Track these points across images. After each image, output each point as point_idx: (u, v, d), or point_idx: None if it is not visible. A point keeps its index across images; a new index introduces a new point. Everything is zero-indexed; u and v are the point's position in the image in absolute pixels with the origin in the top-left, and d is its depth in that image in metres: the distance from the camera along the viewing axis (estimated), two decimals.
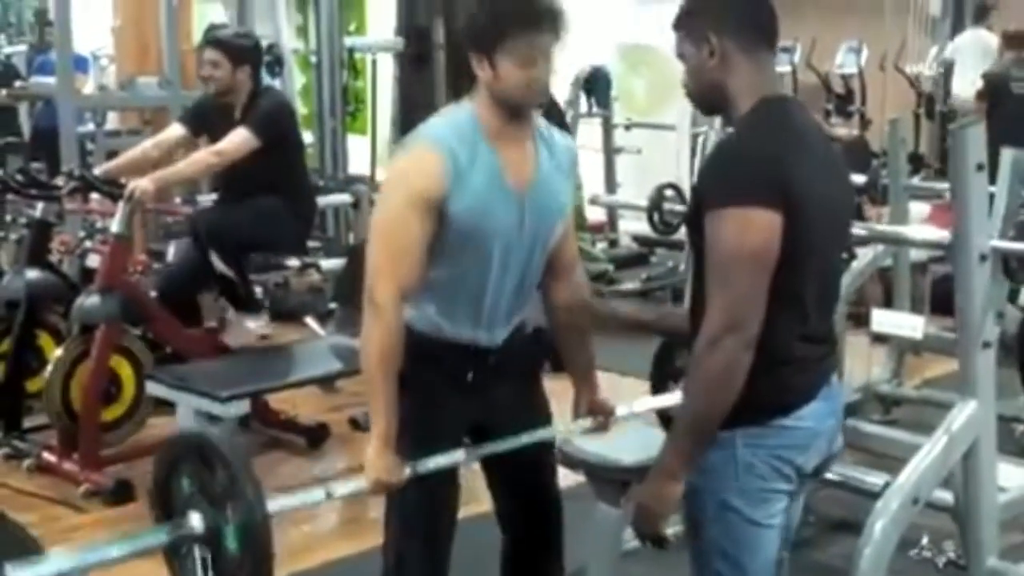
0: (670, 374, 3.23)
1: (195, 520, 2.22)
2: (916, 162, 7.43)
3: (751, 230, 2.08)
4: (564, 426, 2.87)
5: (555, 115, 8.40)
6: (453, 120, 2.61)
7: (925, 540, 3.82)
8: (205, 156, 4.84)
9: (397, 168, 2.64)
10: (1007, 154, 3.84)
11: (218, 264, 4.88)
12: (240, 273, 4.94)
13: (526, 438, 2.72)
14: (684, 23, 2.29)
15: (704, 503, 2.26)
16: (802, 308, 2.20)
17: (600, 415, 2.87)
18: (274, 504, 2.28)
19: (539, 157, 2.66)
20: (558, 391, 2.95)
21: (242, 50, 4.87)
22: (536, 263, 2.71)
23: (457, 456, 2.63)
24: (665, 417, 3.23)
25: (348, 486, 2.54)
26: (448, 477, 2.73)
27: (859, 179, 4.69)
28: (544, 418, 2.88)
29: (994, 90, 7.16)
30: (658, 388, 3.27)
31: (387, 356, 2.51)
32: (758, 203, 2.08)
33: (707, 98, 2.31)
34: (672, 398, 3.03)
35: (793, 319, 2.18)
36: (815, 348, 2.26)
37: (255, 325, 5.43)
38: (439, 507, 2.75)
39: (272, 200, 4.88)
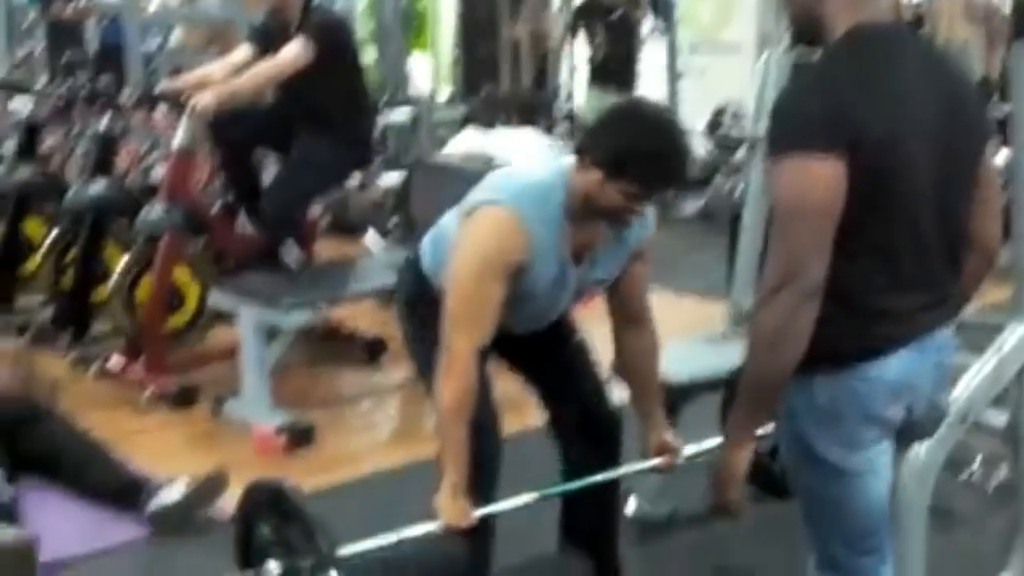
0: None
1: (272, 568, 2.39)
2: (986, 88, 7.30)
3: (808, 180, 1.98)
4: (636, 464, 2.93)
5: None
6: (544, 194, 2.65)
7: (977, 463, 3.83)
8: (264, 68, 4.85)
9: (484, 229, 2.65)
10: None
11: (288, 255, 4.93)
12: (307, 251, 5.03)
13: (600, 477, 2.84)
14: None
15: (796, 447, 2.21)
16: (888, 255, 2.08)
17: (667, 455, 2.91)
18: (346, 550, 2.40)
19: (607, 239, 2.75)
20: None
21: None
22: (566, 300, 2.85)
23: (528, 498, 2.69)
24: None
25: (419, 529, 2.56)
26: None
27: None
28: (572, 333, 3.02)
29: None
30: (725, 416, 3.27)
31: (462, 406, 2.60)
32: (816, 152, 1.97)
33: (802, 25, 2.19)
34: None
35: (875, 267, 2.08)
36: (909, 297, 2.13)
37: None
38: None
39: (327, 140, 4.87)
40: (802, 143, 1.99)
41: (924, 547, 2.66)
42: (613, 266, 2.81)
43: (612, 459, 3.00)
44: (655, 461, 2.91)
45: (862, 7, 2.09)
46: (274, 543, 2.40)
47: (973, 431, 2.80)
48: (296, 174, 4.95)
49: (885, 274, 2.10)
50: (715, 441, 3.00)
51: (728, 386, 3.05)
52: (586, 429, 3.00)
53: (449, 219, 2.86)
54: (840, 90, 2.02)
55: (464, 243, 2.65)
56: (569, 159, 2.69)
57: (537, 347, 2.97)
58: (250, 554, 2.46)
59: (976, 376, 2.69)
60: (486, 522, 2.78)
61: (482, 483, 2.77)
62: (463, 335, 2.60)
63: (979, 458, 3.81)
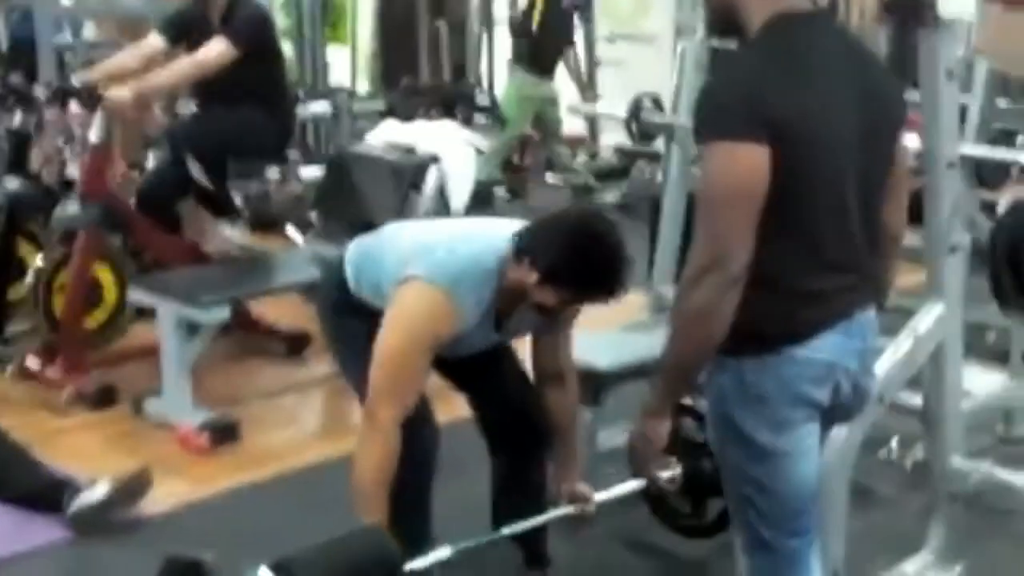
0: None
1: None
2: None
3: (733, 165, 2.02)
4: (549, 514, 3.00)
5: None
6: (480, 280, 2.72)
7: (894, 442, 3.91)
8: (184, 66, 4.80)
9: (418, 305, 2.69)
10: (982, 63, 3.88)
11: (195, 172, 4.88)
12: (217, 181, 4.93)
13: (518, 527, 2.89)
14: None
15: (723, 428, 2.23)
16: (811, 238, 2.12)
17: (579, 503, 2.98)
18: None
19: (530, 312, 2.79)
20: None
21: None
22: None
23: (443, 552, 2.69)
24: (655, 503, 3.37)
25: None
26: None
27: None
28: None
29: None
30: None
31: (382, 474, 2.66)
32: (740, 137, 2.01)
33: (719, 14, 2.22)
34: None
35: (799, 249, 2.12)
36: (833, 279, 2.17)
37: (232, 233, 5.44)
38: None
39: (250, 109, 4.86)
40: (726, 130, 2.03)
41: (845, 524, 2.72)
42: (535, 326, 2.90)
43: (537, 452, 3.04)
44: (568, 509, 2.99)
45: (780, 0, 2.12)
46: None
47: (889, 411, 2.87)
48: (216, 115, 4.92)
49: (810, 256, 2.14)
50: (626, 486, 3.10)
51: None
52: (512, 427, 3.05)
53: (383, 253, 2.89)
54: (762, 78, 2.06)
55: (398, 316, 2.70)
56: (506, 233, 2.74)
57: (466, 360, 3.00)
58: None
59: (892, 357, 2.76)
60: (422, 505, 2.86)
61: (421, 476, 2.85)
62: (388, 406, 2.66)
63: (896, 438, 3.90)
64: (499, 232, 2.77)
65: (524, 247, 2.67)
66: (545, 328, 2.90)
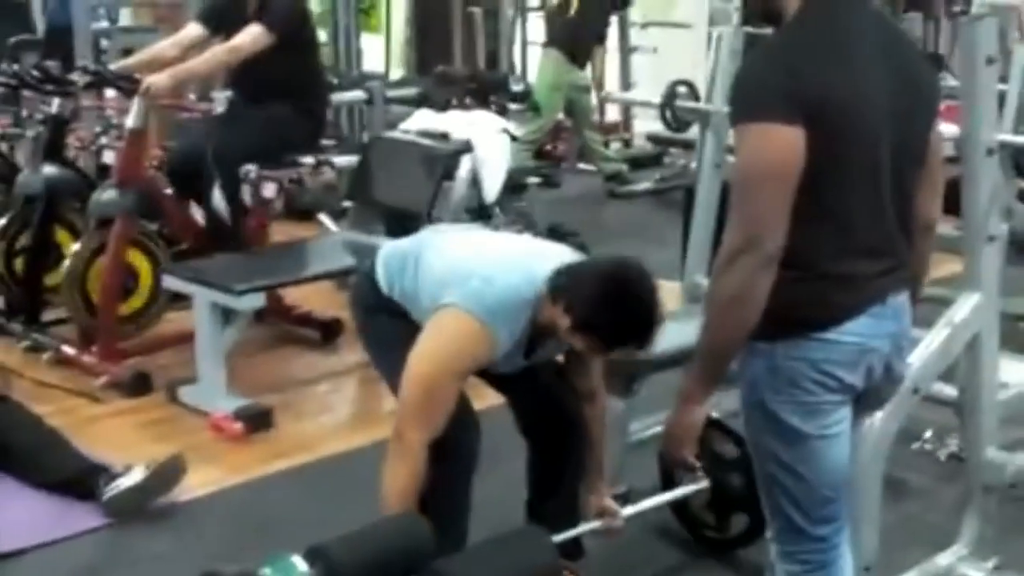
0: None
1: None
2: (936, 62, 7.36)
3: (768, 147, 2.03)
4: (577, 529, 2.99)
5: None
6: (513, 305, 2.70)
7: (928, 434, 3.88)
8: (220, 53, 4.83)
9: (456, 331, 2.69)
10: (1021, 51, 3.83)
11: (217, 201, 4.89)
12: (235, 211, 4.94)
13: (561, 537, 2.85)
14: None
15: (755, 414, 2.23)
16: (844, 221, 2.13)
17: (606, 517, 3.01)
18: None
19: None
20: None
21: None
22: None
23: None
24: (679, 511, 3.38)
25: None
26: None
27: None
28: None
29: None
30: (667, 472, 3.38)
31: (409, 495, 2.66)
32: (775, 119, 2.02)
33: (757, 2, 2.24)
34: (674, 494, 3.24)
35: (832, 233, 2.12)
36: (866, 263, 2.17)
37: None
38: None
39: (283, 105, 4.87)
40: (763, 112, 2.04)
41: (878, 516, 2.70)
42: (564, 348, 2.90)
43: (572, 444, 3.04)
44: (594, 524, 3.02)
45: None
46: None
47: (924, 403, 2.85)
48: (248, 124, 4.91)
49: (843, 240, 2.14)
50: (653, 501, 3.19)
51: None
52: (546, 419, 3.06)
53: (420, 267, 2.88)
54: (799, 60, 2.07)
55: (433, 342, 2.70)
56: (545, 266, 2.73)
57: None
58: None
59: (927, 348, 2.74)
60: (462, 500, 2.88)
61: (462, 475, 2.88)
62: (417, 429, 2.66)
63: (930, 430, 3.87)
64: (538, 264, 2.75)
65: (560, 290, 2.66)
66: (575, 353, 2.91)
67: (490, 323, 2.66)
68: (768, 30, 2.32)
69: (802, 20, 2.13)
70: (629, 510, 3.08)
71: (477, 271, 2.74)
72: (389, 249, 3.03)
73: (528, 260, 2.79)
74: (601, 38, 8.49)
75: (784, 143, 2.02)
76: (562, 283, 2.67)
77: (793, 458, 2.23)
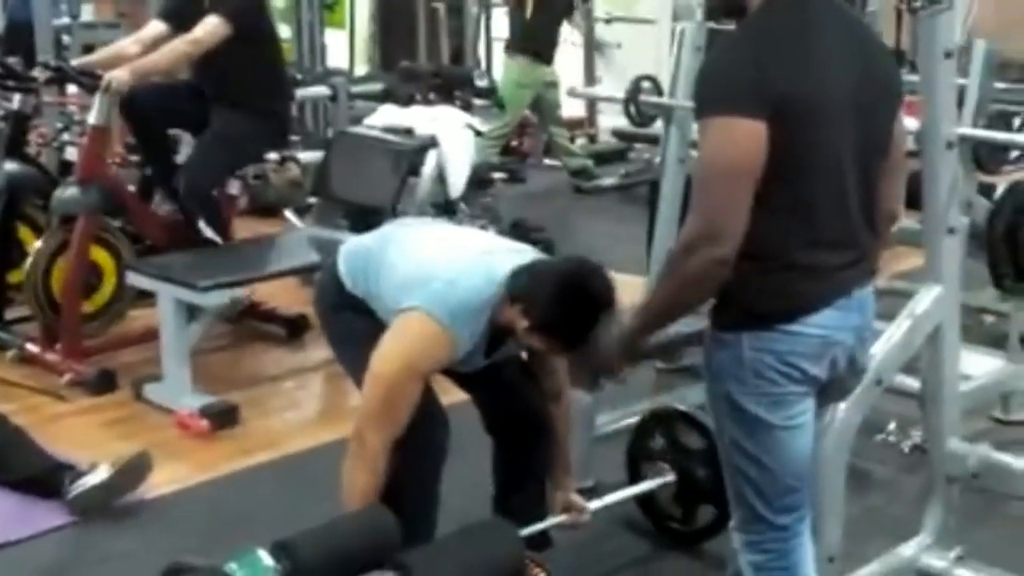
0: (644, 453, 3.39)
1: None
2: (897, 58, 7.41)
3: (731, 141, 2.05)
4: (544, 523, 3.02)
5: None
6: (475, 306, 2.70)
7: (892, 425, 3.92)
8: (179, 45, 4.79)
9: (417, 333, 2.70)
10: (979, 44, 3.87)
11: (206, 230, 4.87)
12: (222, 228, 4.96)
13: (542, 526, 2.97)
14: None
15: (720, 404, 2.27)
16: (809, 213, 2.15)
17: (573, 512, 3.05)
18: None
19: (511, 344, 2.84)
20: None
21: None
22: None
23: None
24: (645, 504, 3.40)
25: None
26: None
27: None
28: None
29: None
30: (634, 465, 3.41)
31: (369, 494, 2.68)
32: (739, 113, 2.04)
33: None
34: (640, 488, 3.29)
35: (797, 225, 2.15)
36: (830, 255, 2.20)
37: None
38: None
39: (245, 114, 4.85)
40: (726, 106, 2.06)
41: (842, 507, 2.73)
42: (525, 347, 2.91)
43: (536, 439, 3.05)
44: (561, 518, 3.05)
45: None
46: None
47: (887, 394, 2.88)
48: (212, 148, 4.90)
49: (808, 232, 2.16)
50: (620, 495, 3.25)
51: None
52: (510, 415, 3.08)
53: (381, 266, 2.88)
54: (764, 53, 2.09)
55: (394, 344, 2.70)
56: (506, 266, 2.73)
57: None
58: None
59: (889, 340, 2.76)
60: (430, 493, 2.89)
61: (431, 467, 2.89)
62: (377, 432, 2.68)
63: (893, 421, 3.90)
64: (498, 263, 2.75)
65: (517, 293, 2.67)
66: (538, 354, 2.93)
67: (452, 326, 2.67)
68: (731, 26, 2.34)
69: (766, 13, 2.15)
70: (595, 504, 3.11)
71: (440, 273, 2.75)
72: (352, 246, 3.03)
73: (489, 259, 2.79)
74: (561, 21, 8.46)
75: (747, 137, 2.05)
76: (520, 284, 2.69)
77: (757, 448, 2.25)
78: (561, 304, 2.63)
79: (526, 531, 2.85)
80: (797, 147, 2.08)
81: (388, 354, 2.69)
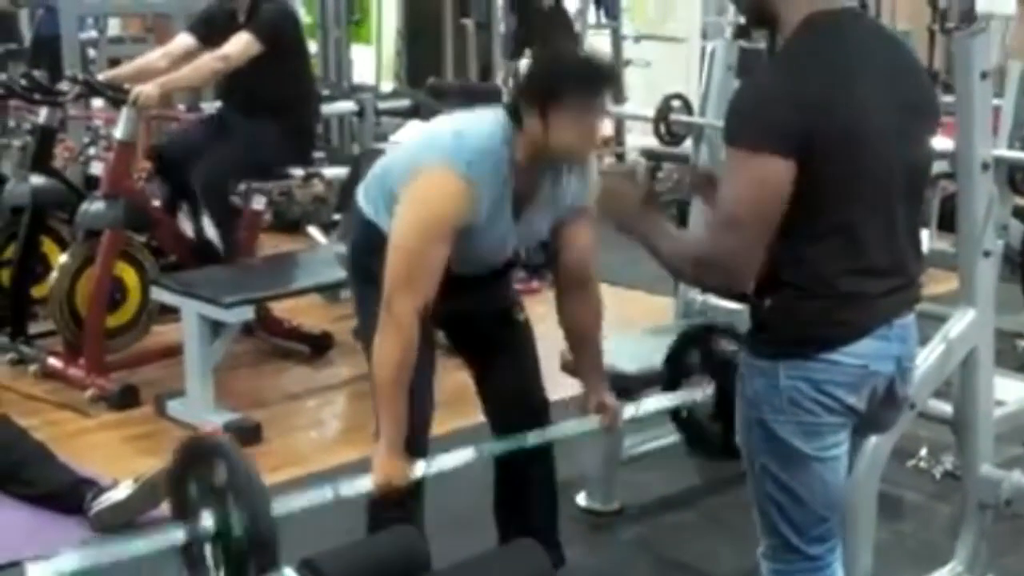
0: (683, 370, 3.21)
1: (207, 519, 2.29)
2: (931, 78, 7.35)
3: (758, 180, 2.02)
4: (575, 424, 2.94)
5: (562, 24, 8.30)
6: (490, 148, 2.65)
7: (924, 451, 3.86)
8: (209, 61, 4.80)
9: (429, 189, 2.63)
10: (1015, 66, 3.82)
11: (208, 229, 4.87)
12: (226, 233, 4.93)
13: (534, 439, 2.82)
14: None
15: (755, 432, 2.22)
16: (853, 241, 2.10)
17: (608, 414, 2.93)
18: (280, 506, 2.36)
19: (545, 191, 2.75)
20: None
21: None
22: (511, 248, 2.87)
23: (466, 455, 2.68)
24: (678, 417, 3.21)
25: (355, 486, 2.57)
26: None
27: None
28: (517, 311, 3.02)
29: None
30: (671, 383, 3.27)
31: (402, 368, 2.60)
32: (768, 149, 2.00)
33: (753, 9, 2.21)
34: (678, 397, 3.09)
35: (840, 252, 2.10)
36: (874, 283, 2.15)
37: None
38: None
39: (271, 122, 4.84)
40: (758, 139, 2.02)
41: (872, 534, 2.68)
42: (552, 217, 2.82)
43: (541, 452, 2.97)
44: (594, 421, 2.93)
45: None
46: (209, 495, 2.31)
47: (919, 419, 2.83)
48: (235, 149, 4.87)
49: (852, 259, 2.12)
50: (655, 402, 3.05)
51: None
52: (516, 411, 2.99)
53: (395, 167, 2.82)
54: (801, 84, 2.03)
55: (410, 204, 2.64)
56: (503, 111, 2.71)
57: (482, 326, 2.98)
58: (185, 506, 2.37)
59: (923, 364, 2.72)
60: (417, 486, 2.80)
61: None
62: (404, 297, 2.59)
63: (925, 446, 3.84)
64: (500, 113, 2.73)
65: (516, 107, 2.65)
66: (566, 218, 2.83)
67: (467, 172, 2.60)
68: (761, 44, 2.31)
69: (803, 36, 2.09)
70: (630, 410, 2.97)
71: (444, 133, 2.72)
72: (365, 179, 2.97)
73: (489, 110, 2.77)
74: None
75: (774, 177, 2.01)
76: (513, 100, 2.68)
77: (790, 477, 2.21)
78: (542, 62, 2.68)
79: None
80: (839, 176, 2.04)
81: (406, 216, 2.63)
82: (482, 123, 2.71)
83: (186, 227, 5.07)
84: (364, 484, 2.56)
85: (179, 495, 2.37)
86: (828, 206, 2.05)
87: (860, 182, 2.07)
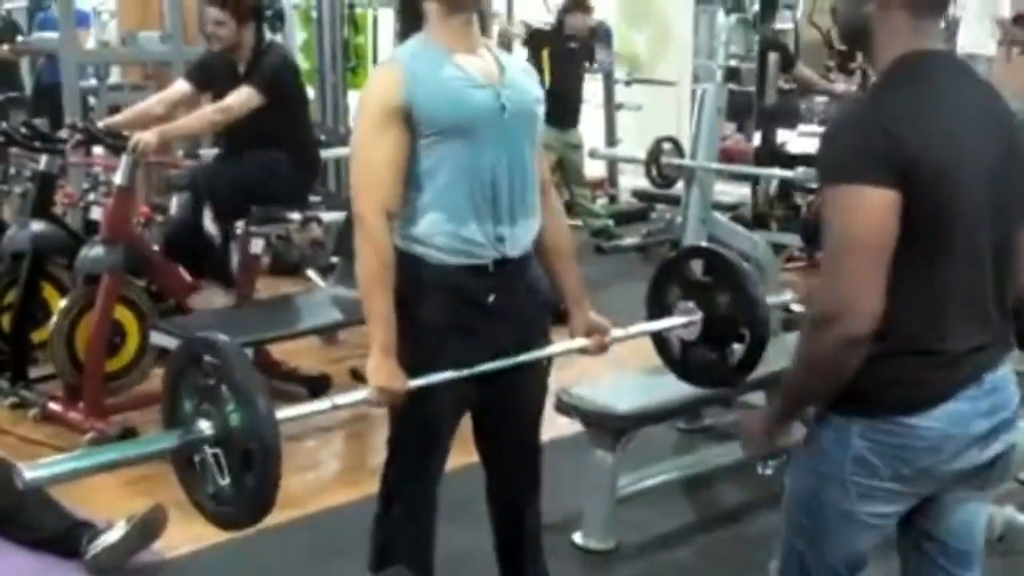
0: (665, 306, 3.11)
1: (204, 424, 2.20)
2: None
3: (860, 211, 1.93)
4: (563, 344, 2.86)
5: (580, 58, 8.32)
6: (407, 44, 2.72)
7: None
8: (209, 113, 4.87)
9: (363, 92, 2.72)
10: None
11: (208, 224, 4.92)
12: (225, 238, 4.98)
13: (525, 356, 2.71)
14: None
15: (805, 482, 2.17)
16: (941, 292, 2.01)
17: (596, 335, 2.87)
18: (280, 413, 2.27)
19: (501, 63, 2.75)
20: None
21: (246, 7, 4.89)
22: (528, 155, 2.73)
23: (462, 373, 2.61)
24: (659, 340, 3.07)
25: (352, 396, 2.55)
26: (445, 418, 2.78)
27: None
28: (544, 376, 2.93)
29: None
30: (657, 312, 3.16)
31: (380, 269, 2.58)
32: (868, 181, 1.92)
33: (851, 36, 2.16)
34: (666, 323, 2.96)
35: (926, 304, 2.00)
36: (962, 339, 2.03)
37: (222, 302, 5.47)
38: (432, 439, 2.80)
39: (274, 154, 4.92)
40: (852, 171, 1.95)
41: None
42: (528, 84, 2.77)
43: (533, 489, 2.99)
44: (584, 341, 2.87)
45: (915, 34, 2.05)
46: (207, 400, 2.21)
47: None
48: (244, 165, 4.94)
49: (939, 313, 2.03)
50: (647, 326, 2.96)
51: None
52: (512, 458, 2.99)
53: None
54: (891, 117, 1.97)
55: (358, 108, 2.70)
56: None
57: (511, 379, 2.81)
58: (179, 413, 2.27)
59: None
60: (429, 495, 2.81)
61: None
62: (365, 195, 2.60)
63: None
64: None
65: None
66: (533, 86, 2.79)
67: (387, 60, 2.68)
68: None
69: (898, 73, 2.04)
70: (618, 332, 2.90)
71: None
72: None
73: None
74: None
75: (879, 207, 1.93)
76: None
77: (821, 534, 2.17)
78: None
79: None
80: (928, 218, 1.95)
81: (357, 125, 2.69)
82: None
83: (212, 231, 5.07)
84: (362, 394, 2.55)
85: (173, 405, 2.28)
86: (913, 255, 1.96)
87: (948, 228, 1.99)
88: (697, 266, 2.98)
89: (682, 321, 2.91)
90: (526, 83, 2.77)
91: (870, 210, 1.93)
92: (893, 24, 2.04)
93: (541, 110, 2.79)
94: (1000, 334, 2.12)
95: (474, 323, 2.67)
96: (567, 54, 8.00)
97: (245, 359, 2.21)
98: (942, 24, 2.13)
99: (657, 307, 2.99)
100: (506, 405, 2.84)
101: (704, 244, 3.00)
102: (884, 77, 2.06)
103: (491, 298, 2.68)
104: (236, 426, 2.16)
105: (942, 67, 2.08)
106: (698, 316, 2.91)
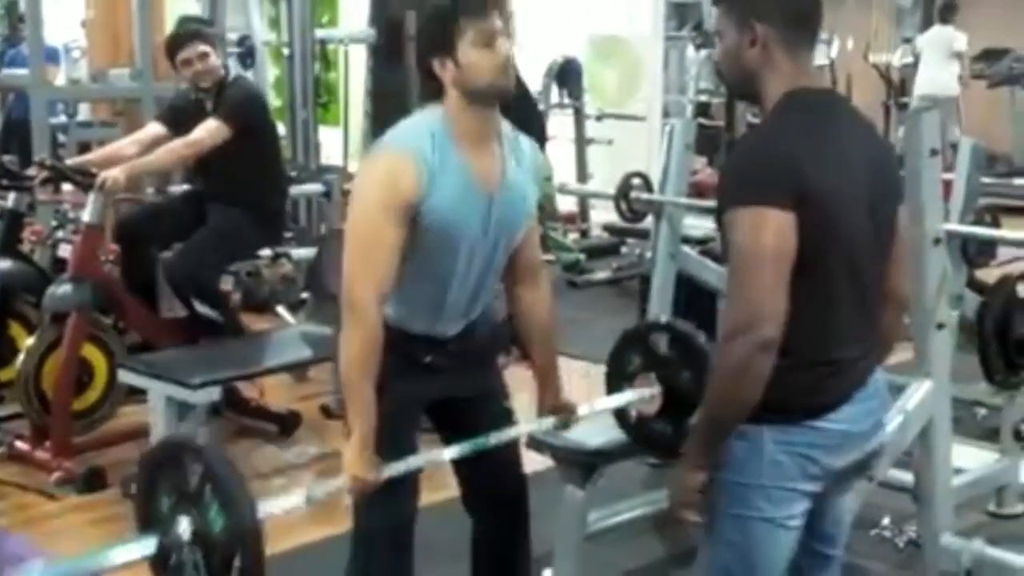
0: (626, 376, 3.17)
1: (183, 525, 2.15)
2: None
3: (764, 230, 2.07)
4: (529, 425, 2.92)
5: (526, 107, 8.40)
6: (423, 125, 2.65)
7: (886, 520, 3.89)
8: (177, 147, 4.85)
9: (371, 174, 2.66)
10: (965, 142, 3.93)
11: (203, 310, 4.91)
12: (225, 309, 5.02)
13: (495, 440, 2.75)
14: (729, 2, 2.26)
15: (723, 494, 2.25)
16: (836, 308, 2.19)
17: (563, 414, 2.91)
18: (264, 508, 2.27)
19: (506, 160, 2.73)
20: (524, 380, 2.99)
21: (215, 38, 4.91)
22: (498, 262, 2.78)
23: (433, 455, 2.67)
24: (621, 416, 3.11)
25: (328, 486, 2.56)
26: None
27: None
28: (502, 399, 2.97)
29: None
30: (612, 387, 3.23)
31: (367, 359, 2.56)
32: (769, 203, 2.07)
33: (739, 84, 2.31)
34: (627, 396, 3.00)
35: (825, 320, 2.19)
36: (852, 348, 2.25)
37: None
38: (401, 490, 2.77)
39: (240, 211, 4.91)
40: (754, 194, 2.09)
41: None
42: (524, 190, 2.77)
43: (521, 530, 3.00)
44: (551, 420, 2.89)
45: (795, 70, 2.22)
46: (184, 498, 2.17)
47: (881, 489, 2.87)
48: (208, 241, 4.93)
49: (835, 326, 2.21)
50: (608, 401, 2.97)
51: None
52: (496, 500, 3.00)
53: None
54: (788, 145, 2.14)
55: (356, 193, 2.67)
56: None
57: (465, 411, 2.92)
58: (154, 514, 2.22)
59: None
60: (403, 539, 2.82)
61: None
62: (362, 284, 2.56)
63: (888, 516, 3.88)
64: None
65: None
66: (531, 186, 2.80)
67: (403, 146, 2.59)
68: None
69: (787, 107, 2.20)
70: (583, 410, 2.93)
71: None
72: None
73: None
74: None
75: (778, 227, 2.08)
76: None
77: (747, 543, 2.26)
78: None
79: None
80: (821, 240, 2.12)
81: (356, 207, 2.63)
82: (413, 116, 2.73)
83: (176, 308, 5.06)
84: (337, 483, 2.54)
85: (149, 508, 2.23)
86: (808, 274, 2.11)
87: (838, 249, 2.15)
88: (656, 339, 3.00)
89: (643, 395, 2.95)
90: (525, 187, 2.77)
91: (774, 229, 2.08)
92: (775, 63, 2.21)
93: (532, 212, 2.81)
94: (877, 340, 2.34)
95: (402, 376, 2.70)
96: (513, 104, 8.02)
97: (228, 464, 2.20)
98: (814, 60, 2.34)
99: (618, 378, 3.03)
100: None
101: (664, 319, 3.05)
102: (776, 111, 2.22)
103: (427, 359, 2.77)
104: (216, 525, 2.13)
105: (825, 102, 2.28)
106: (658, 390, 2.95)
